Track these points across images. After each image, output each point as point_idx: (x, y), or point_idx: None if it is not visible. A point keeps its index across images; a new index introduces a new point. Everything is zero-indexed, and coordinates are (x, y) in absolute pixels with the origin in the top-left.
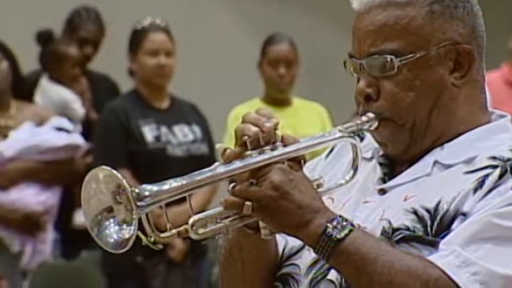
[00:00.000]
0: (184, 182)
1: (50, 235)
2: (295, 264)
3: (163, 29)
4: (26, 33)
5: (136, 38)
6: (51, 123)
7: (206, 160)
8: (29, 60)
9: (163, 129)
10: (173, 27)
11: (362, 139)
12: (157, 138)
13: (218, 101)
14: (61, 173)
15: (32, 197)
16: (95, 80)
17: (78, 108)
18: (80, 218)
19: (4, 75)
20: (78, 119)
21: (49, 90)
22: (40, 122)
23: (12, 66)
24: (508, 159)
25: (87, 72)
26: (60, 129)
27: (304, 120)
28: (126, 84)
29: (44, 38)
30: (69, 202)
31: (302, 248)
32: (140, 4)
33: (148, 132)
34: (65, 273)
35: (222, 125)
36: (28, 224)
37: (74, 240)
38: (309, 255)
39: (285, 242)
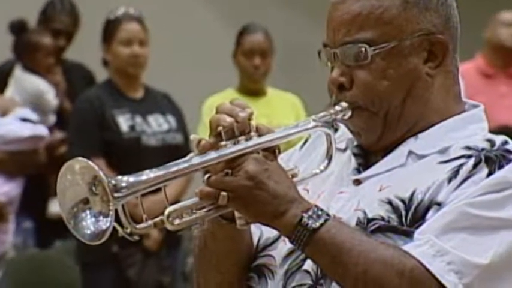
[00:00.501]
0: (160, 173)
1: (11, 225)
2: (270, 255)
3: (137, 18)
4: None
5: (110, 28)
6: (15, 114)
7: (181, 150)
8: (2, 50)
9: (138, 119)
10: (147, 18)
11: (336, 130)
12: (132, 128)
13: (192, 91)
14: (25, 164)
15: None
16: (70, 68)
17: (52, 98)
18: (54, 208)
19: None
20: (52, 109)
21: (23, 80)
22: (4, 113)
23: None
24: (482, 149)
25: (61, 61)
26: (24, 119)
27: (278, 110)
28: (101, 75)
29: (18, 28)
30: (44, 191)
31: (277, 238)
32: None
33: (123, 122)
34: (39, 262)
35: (197, 115)
36: None
37: (48, 230)
38: (284, 246)
39: (260, 232)
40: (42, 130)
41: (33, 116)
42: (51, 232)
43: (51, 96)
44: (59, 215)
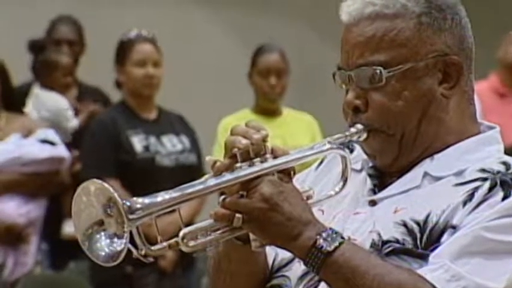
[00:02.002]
0: (175, 195)
1: (33, 247)
2: (285, 276)
3: (150, 39)
4: (15, 43)
5: (124, 49)
6: (36, 135)
7: (195, 170)
8: (18, 71)
9: (152, 140)
10: (162, 38)
11: (352, 151)
12: (146, 148)
13: (208, 112)
14: (45, 185)
15: (14, 209)
16: (86, 91)
17: (71, 115)
18: (68, 229)
19: None
20: (70, 126)
21: (42, 97)
22: (28, 134)
23: (3, 78)
24: (498, 172)
25: (79, 84)
26: (44, 141)
27: (294, 131)
28: (113, 97)
29: (37, 47)
30: (58, 212)
31: (292, 259)
32: (128, 16)
33: (138, 143)
34: (53, 284)
35: (212, 135)
36: (10, 236)
37: (62, 251)
38: (299, 267)
39: (275, 253)
40: (61, 152)
41: (55, 137)
42: (65, 253)
43: (70, 113)
44: (73, 236)
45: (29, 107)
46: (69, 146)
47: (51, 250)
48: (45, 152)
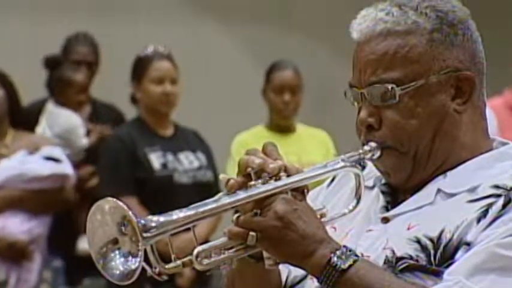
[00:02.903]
0: (189, 213)
1: (36, 264)
2: None
3: (167, 56)
4: (30, 60)
5: (141, 66)
6: (41, 152)
7: (212, 187)
8: (34, 88)
9: (170, 157)
10: (176, 54)
11: (363, 167)
12: (164, 166)
13: (222, 128)
14: (48, 202)
15: (16, 226)
16: (100, 108)
17: (83, 133)
18: (83, 245)
19: None
20: (82, 143)
21: (56, 114)
22: (34, 151)
23: (10, 94)
24: (511, 188)
25: (93, 101)
26: (48, 158)
27: (308, 147)
28: (127, 113)
29: (52, 64)
30: (72, 229)
31: (305, 277)
32: (141, 33)
33: (155, 160)
34: None
35: (226, 153)
36: (12, 253)
37: (77, 267)
38: (312, 284)
39: (288, 271)
40: (65, 169)
41: (60, 154)
42: (80, 270)
43: (82, 131)
44: (88, 253)
45: (43, 124)
46: (81, 163)
47: (66, 267)
48: (48, 169)
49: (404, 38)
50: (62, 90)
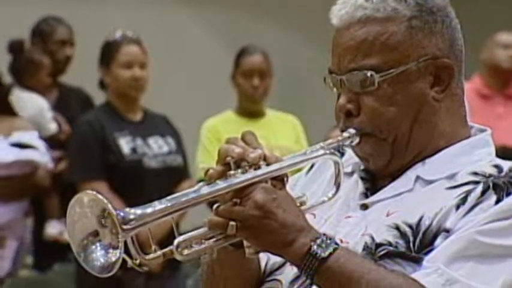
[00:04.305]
0: (168, 204)
1: (9, 251)
2: (277, 280)
3: (136, 41)
4: None
5: (109, 51)
6: (9, 138)
7: (181, 171)
8: None
9: (139, 141)
10: (145, 40)
11: (342, 154)
12: (134, 150)
13: (191, 113)
14: (18, 189)
15: None
16: (68, 92)
17: (50, 118)
18: (51, 229)
19: None
20: (50, 130)
21: (24, 99)
22: (8, 136)
23: None
24: (490, 175)
25: (59, 85)
26: (16, 144)
27: (277, 132)
28: (97, 98)
29: (17, 48)
30: (40, 213)
31: (284, 263)
32: (110, 17)
33: (125, 144)
34: (38, 285)
35: (196, 137)
36: None
37: (45, 252)
38: (291, 271)
39: (267, 257)
40: (32, 155)
41: (30, 140)
42: (48, 255)
43: (49, 114)
44: (56, 238)
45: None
46: (50, 147)
47: (34, 251)
48: (11, 155)
49: (384, 25)
50: (31, 73)
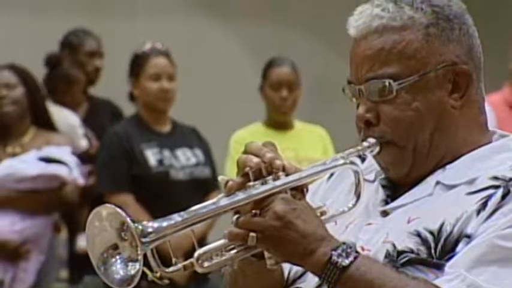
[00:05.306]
0: (187, 217)
1: (33, 264)
2: None
3: (165, 53)
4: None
5: (138, 63)
6: (39, 152)
7: (209, 183)
8: None
9: (166, 153)
10: (174, 51)
11: (363, 160)
12: (160, 162)
13: (219, 125)
14: (43, 203)
15: (6, 226)
16: (98, 104)
17: (82, 134)
18: (82, 242)
19: (17, 101)
20: (80, 146)
21: (55, 113)
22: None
23: (31, 92)
24: (510, 179)
25: (89, 97)
26: (44, 158)
27: (306, 144)
28: (126, 110)
29: (53, 62)
30: (72, 226)
31: (306, 271)
32: (139, 30)
33: (151, 156)
34: None
35: (225, 150)
36: (5, 253)
37: (77, 265)
38: (313, 279)
39: (290, 266)
40: (56, 170)
41: (60, 155)
42: (80, 267)
43: (81, 131)
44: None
45: None
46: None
47: (69, 264)
48: (36, 169)
49: (401, 34)
50: (66, 88)
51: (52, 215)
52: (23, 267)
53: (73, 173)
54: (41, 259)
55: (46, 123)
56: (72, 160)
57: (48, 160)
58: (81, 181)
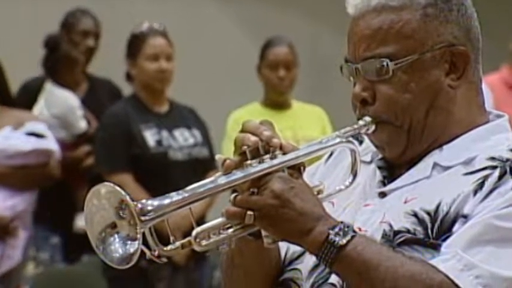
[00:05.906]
0: (186, 195)
1: (20, 241)
2: (296, 269)
3: (162, 33)
4: (27, 38)
5: (136, 43)
6: (25, 128)
7: (207, 164)
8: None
9: (164, 134)
10: (171, 32)
11: (361, 142)
12: (159, 143)
13: (217, 105)
14: (32, 178)
15: None
16: (97, 84)
17: (80, 116)
18: (81, 222)
19: None
20: (79, 128)
21: (55, 95)
22: (19, 127)
23: None
24: (507, 160)
25: (89, 77)
26: (31, 133)
27: (303, 123)
28: (126, 90)
29: (52, 43)
30: (70, 206)
31: (303, 252)
32: (137, 9)
33: (150, 137)
34: (67, 277)
35: (222, 129)
36: None
37: (75, 244)
38: (310, 259)
39: (287, 246)
40: (48, 144)
41: (43, 130)
42: (78, 247)
43: (80, 113)
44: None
45: (41, 103)
46: (78, 142)
47: (64, 244)
48: (30, 144)
49: (399, 13)
50: (66, 69)
51: (35, 191)
52: (11, 244)
53: (56, 146)
54: (26, 235)
55: (8, 101)
56: (51, 134)
57: (36, 135)
58: (59, 155)
